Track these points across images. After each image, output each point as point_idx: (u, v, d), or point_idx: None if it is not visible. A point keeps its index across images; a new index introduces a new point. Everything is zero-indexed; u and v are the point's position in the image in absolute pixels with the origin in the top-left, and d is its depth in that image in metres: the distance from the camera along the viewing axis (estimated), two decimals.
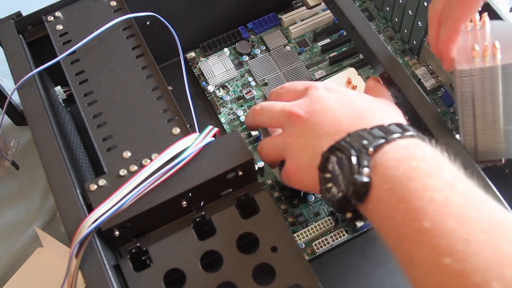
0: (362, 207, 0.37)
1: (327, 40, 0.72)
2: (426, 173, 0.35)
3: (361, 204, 0.37)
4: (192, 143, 0.45)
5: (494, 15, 0.52)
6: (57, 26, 0.55)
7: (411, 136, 0.38)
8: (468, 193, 0.34)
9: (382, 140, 0.37)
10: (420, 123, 0.47)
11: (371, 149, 0.36)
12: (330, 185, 0.38)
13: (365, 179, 0.36)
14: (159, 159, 0.44)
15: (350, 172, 0.36)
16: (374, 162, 0.36)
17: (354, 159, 0.36)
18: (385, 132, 0.37)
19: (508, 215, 0.33)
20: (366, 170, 0.36)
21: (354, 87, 0.52)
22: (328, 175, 0.39)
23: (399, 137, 0.37)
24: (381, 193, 0.35)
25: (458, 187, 0.34)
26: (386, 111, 0.42)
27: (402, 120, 0.41)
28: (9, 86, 0.65)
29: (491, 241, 0.30)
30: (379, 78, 0.50)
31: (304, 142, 0.43)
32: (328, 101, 0.43)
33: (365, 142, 0.37)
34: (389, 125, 0.39)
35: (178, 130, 0.48)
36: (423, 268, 0.32)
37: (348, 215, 0.38)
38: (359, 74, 0.54)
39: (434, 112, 0.47)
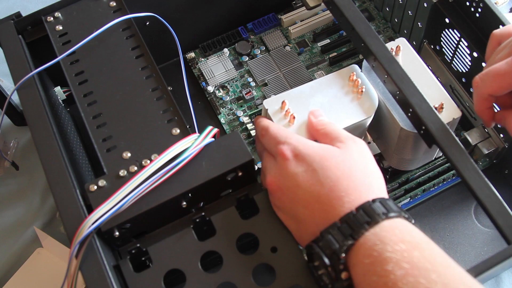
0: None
1: (327, 41, 0.72)
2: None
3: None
4: (192, 144, 0.45)
5: (494, 16, 0.52)
6: (57, 27, 0.55)
7: (379, 222, 0.38)
8: None
9: (351, 241, 0.38)
10: (420, 123, 0.47)
11: (343, 255, 0.38)
12: (321, 271, 0.40)
13: (345, 283, 0.38)
14: (159, 160, 0.44)
15: (330, 279, 0.39)
16: (350, 259, 0.38)
17: (329, 267, 0.39)
18: (353, 228, 0.38)
19: None
20: (343, 274, 0.38)
21: (356, 83, 0.52)
22: (316, 263, 0.40)
23: (367, 230, 0.38)
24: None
25: None
26: (353, 184, 0.42)
27: (371, 185, 0.42)
28: (9, 86, 0.65)
29: None
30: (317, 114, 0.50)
31: (285, 216, 0.44)
32: (297, 178, 0.42)
33: (335, 246, 0.38)
34: (358, 211, 0.39)
35: (178, 130, 0.48)
36: None
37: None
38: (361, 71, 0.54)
39: (434, 113, 0.47)
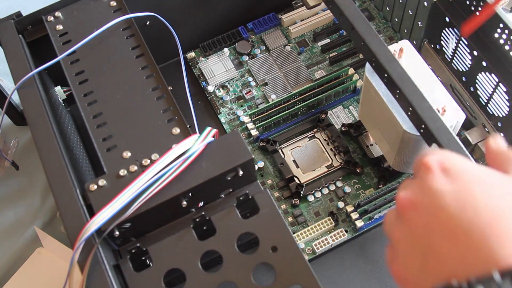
0: None
1: (327, 40, 0.72)
2: None
3: None
4: (193, 145, 0.45)
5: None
6: (57, 26, 0.55)
7: None
8: None
9: None
10: (421, 123, 0.47)
11: None
12: None
13: None
14: (160, 163, 0.44)
15: None
16: None
17: None
18: None
19: None
20: None
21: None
22: None
23: None
24: None
25: None
26: None
27: None
28: (9, 86, 0.65)
29: None
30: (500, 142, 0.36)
31: (407, 246, 0.33)
32: (442, 197, 0.32)
33: None
34: None
35: (178, 130, 0.48)
36: None
37: None
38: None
39: (434, 112, 0.47)
